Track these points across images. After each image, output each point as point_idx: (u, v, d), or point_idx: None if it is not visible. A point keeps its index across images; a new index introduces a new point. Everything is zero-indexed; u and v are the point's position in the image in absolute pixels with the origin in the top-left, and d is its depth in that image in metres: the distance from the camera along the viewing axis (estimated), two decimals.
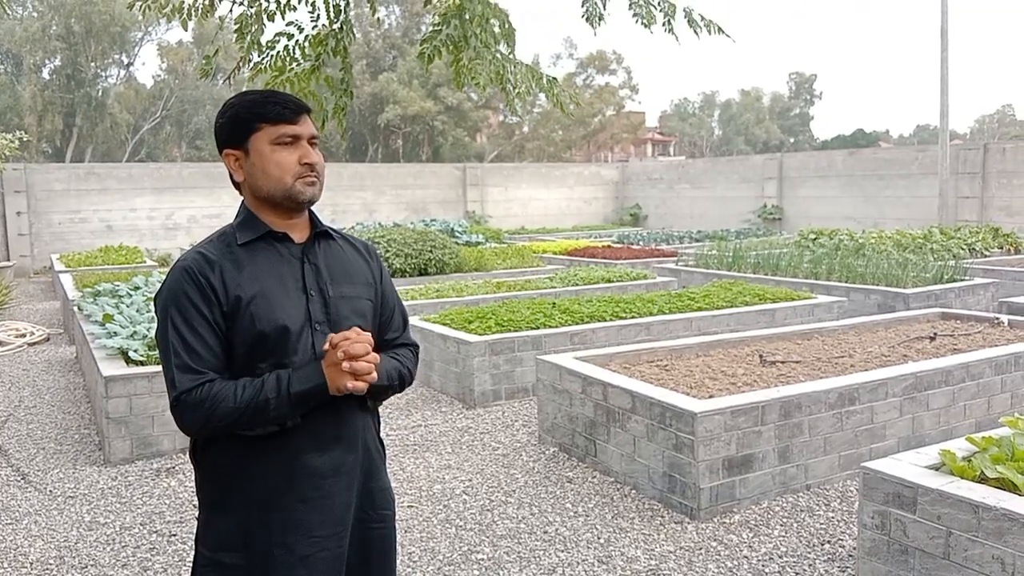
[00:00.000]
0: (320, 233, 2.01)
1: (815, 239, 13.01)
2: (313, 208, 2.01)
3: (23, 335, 9.17)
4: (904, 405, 4.70)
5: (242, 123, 1.92)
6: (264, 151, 1.90)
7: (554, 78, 4.13)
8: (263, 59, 3.90)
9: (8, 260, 16.67)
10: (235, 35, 3.84)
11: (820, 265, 9.95)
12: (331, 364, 1.81)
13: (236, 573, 1.89)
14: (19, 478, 4.90)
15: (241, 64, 3.94)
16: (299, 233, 1.97)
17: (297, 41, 3.91)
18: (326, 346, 1.83)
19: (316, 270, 1.95)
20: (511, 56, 3.93)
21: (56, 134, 34.75)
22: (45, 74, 34.02)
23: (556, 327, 6.66)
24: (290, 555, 1.89)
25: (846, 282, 9.31)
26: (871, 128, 64.02)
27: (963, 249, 11.79)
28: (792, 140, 55.87)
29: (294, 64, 3.91)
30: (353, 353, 1.79)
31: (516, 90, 3.80)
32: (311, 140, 1.94)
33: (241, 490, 1.90)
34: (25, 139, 15.95)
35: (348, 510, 1.96)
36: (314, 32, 3.94)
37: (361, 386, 1.81)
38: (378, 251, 9.06)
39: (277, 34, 3.90)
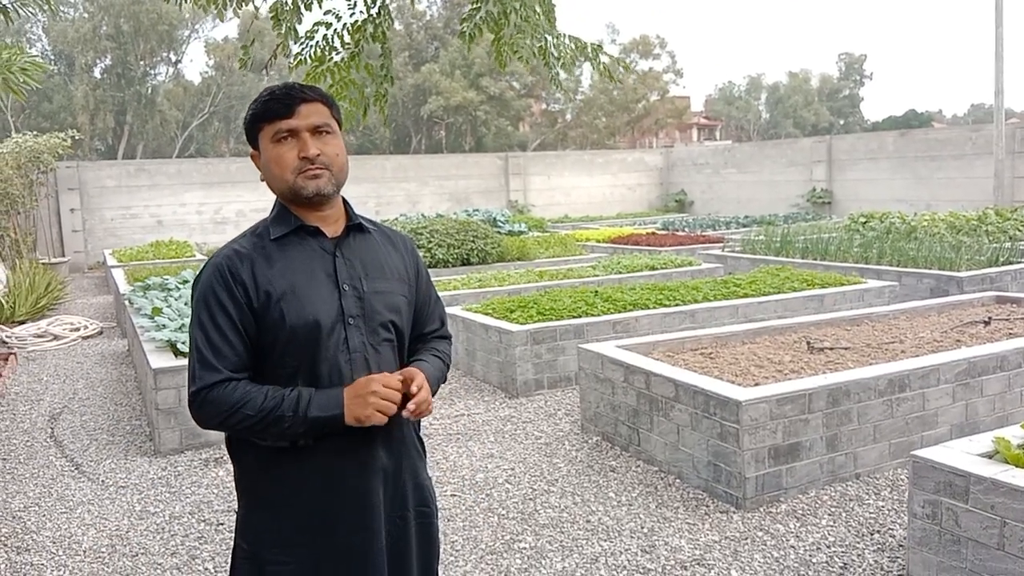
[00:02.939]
0: (354, 226, 1.98)
1: (865, 223, 12.72)
2: (356, 199, 2.00)
3: (77, 329, 9.40)
4: (957, 391, 4.57)
5: (250, 124, 1.94)
6: (268, 150, 1.90)
7: (599, 44, 4.07)
8: (303, 49, 3.91)
9: (63, 256, 17.10)
10: (271, 24, 3.86)
11: (870, 249, 9.73)
12: (356, 395, 1.80)
13: (273, 567, 1.89)
14: (73, 468, 5.02)
15: (277, 53, 3.96)
16: (332, 226, 1.94)
17: (336, 29, 3.92)
18: (371, 381, 1.82)
19: (349, 264, 1.92)
20: (553, 29, 3.89)
21: (108, 132, 35.55)
22: (96, 73, 34.83)
23: (599, 315, 6.61)
24: (327, 551, 1.89)
25: (897, 266, 9.09)
26: (923, 108, 62.39)
27: (1020, 231, 11.42)
28: (842, 122, 54.70)
29: (333, 53, 3.92)
30: (390, 402, 1.80)
31: (560, 61, 3.76)
32: (315, 130, 1.88)
33: (275, 486, 1.90)
34: (77, 137, 16.33)
35: (384, 507, 1.94)
36: (352, 20, 3.95)
37: (381, 419, 1.80)
38: (421, 242, 9.03)
39: (316, 23, 3.92)
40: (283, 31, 3.88)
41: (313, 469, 1.88)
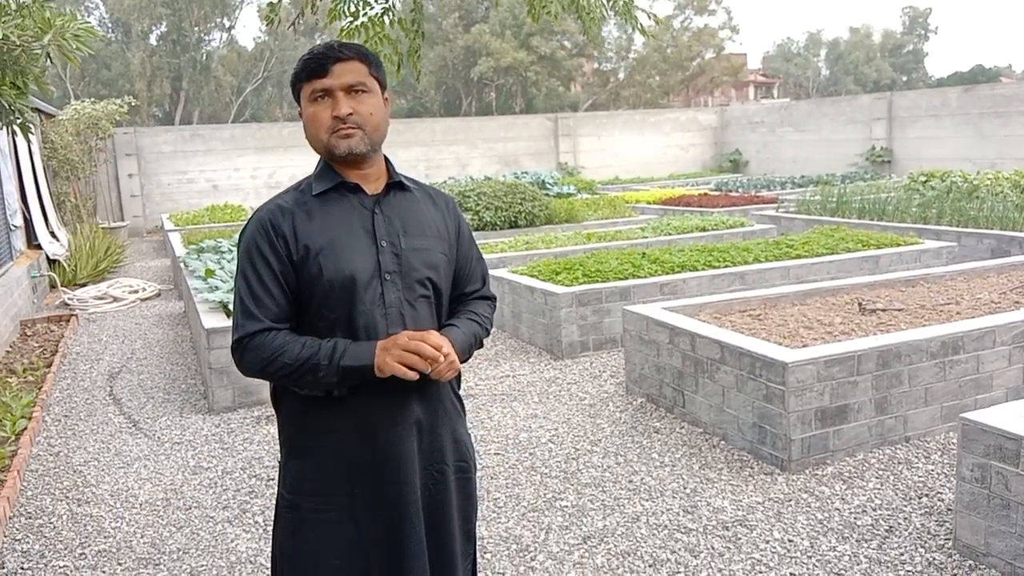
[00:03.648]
0: (395, 184, 1.99)
1: (925, 182, 12.34)
2: (405, 163, 2.02)
3: (136, 291, 9.66)
4: (1013, 354, 4.44)
5: (292, 85, 1.96)
6: (306, 108, 1.92)
7: None
8: (337, 5, 3.91)
9: (122, 220, 17.53)
10: None
11: (930, 209, 9.47)
12: (384, 347, 1.82)
13: (311, 515, 1.94)
14: (130, 425, 5.19)
15: (306, 8, 3.96)
16: (373, 184, 1.97)
17: None
18: (402, 334, 1.83)
19: (388, 221, 1.94)
20: None
21: (165, 98, 36.10)
22: (152, 40, 35.32)
23: (645, 277, 6.56)
24: (361, 500, 1.93)
25: (957, 226, 8.83)
26: (991, 63, 60.11)
27: None
28: (905, 79, 52.93)
29: (367, 8, 3.91)
30: (419, 353, 1.80)
31: (590, 15, 3.69)
32: (349, 89, 1.88)
33: (313, 435, 1.94)
34: (134, 103, 16.64)
35: (420, 460, 1.96)
36: None
37: (411, 374, 1.81)
38: (468, 204, 9.01)
39: None
40: None
41: (348, 419, 1.91)
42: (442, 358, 1.83)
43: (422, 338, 1.82)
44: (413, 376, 1.81)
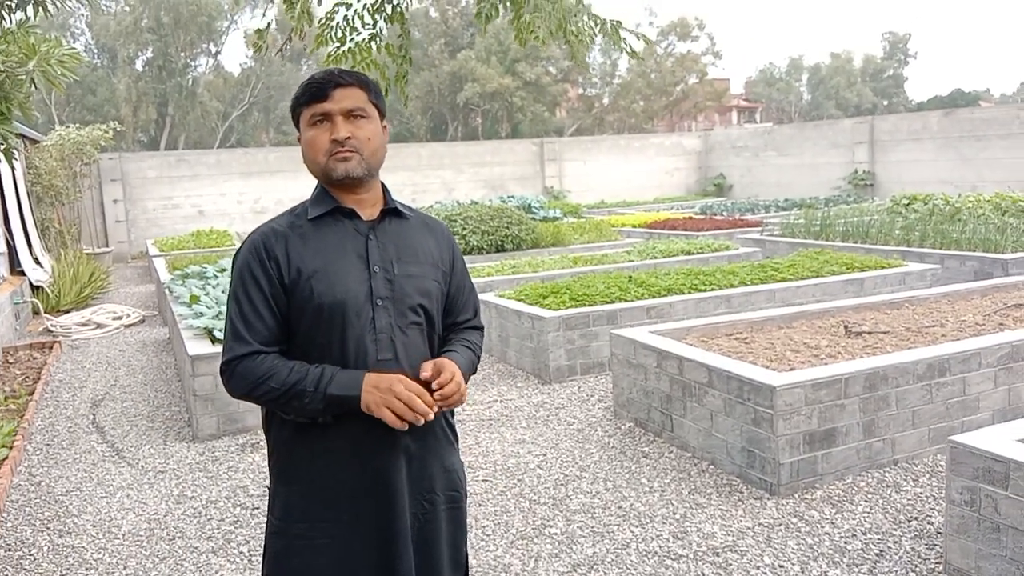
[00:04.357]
0: (390, 210, 2.01)
1: (908, 204, 12.46)
2: (392, 187, 2.04)
3: (120, 317, 9.58)
4: (999, 376, 4.46)
5: (292, 109, 1.99)
6: (304, 132, 1.95)
7: (618, 21, 4.03)
8: (324, 31, 3.93)
9: (107, 246, 17.42)
10: (284, 8, 3.89)
11: (913, 232, 9.54)
12: (376, 386, 1.81)
13: (300, 542, 1.92)
14: (113, 453, 5.12)
15: (293, 35, 3.98)
16: (369, 209, 1.98)
17: (356, 10, 3.94)
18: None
19: (382, 247, 1.95)
20: (577, 5, 3.86)
21: (151, 124, 36.08)
22: (138, 66, 35.36)
23: (632, 301, 6.57)
24: (350, 529, 1.91)
25: (940, 249, 8.90)
26: (970, 88, 60.89)
27: None
28: (886, 103, 53.57)
29: (354, 33, 3.94)
30: (411, 406, 1.80)
31: (578, 38, 3.73)
32: (348, 114, 1.91)
33: (301, 462, 1.93)
34: (119, 129, 16.60)
35: (409, 488, 1.95)
36: (370, 1, 3.95)
37: (399, 424, 1.81)
38: (455, 228, 9.03)
39: (336, 4, 3.94)
40: (296, 13, 3.90)
41: (336, 447, 1.90)
42: (431, 415, 1.83)
43: (419, 393, 1.82)
44: (401, 426, 1.81)
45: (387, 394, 1.80)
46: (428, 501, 1.99)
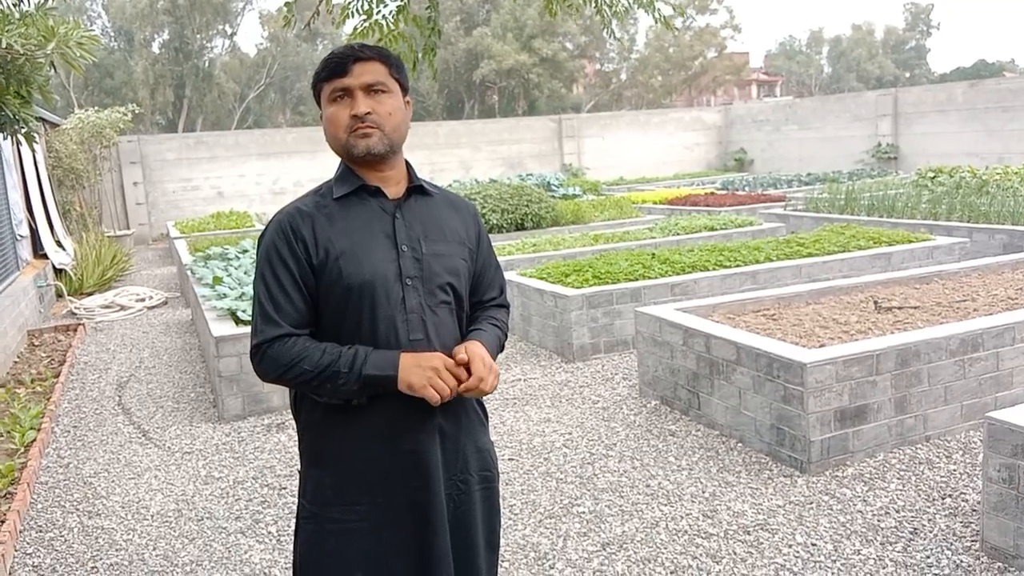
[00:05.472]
0: (416, 188, 1.97)
1: (934, 177, 12.27)
2: (412, 165, 1.99)
3: (142, 299, 9.62)
4: None
5: (313, 86, 1.95)
6: (325, 109, 1.91)
7: None
8: (350, 4, 3.87)
9: (128, 229, 17.50)
10: None
11: (940, 205, 9.39)
12: (417, 364, 1.79)
13: (333, 526, 1.89)
14: (140, 435, 5.14)
15: (319, 8, 3.92)
16: (394, 187, 1.94)
17: None
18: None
19: (409, 225, 1.91)
20: None
21: (168, 106, 36.19)
22: (155, 48, 35.41)
23: (656, 278, 6.50)
24: (384, 510, 1.88)
25: (968, 222, 8.76)
26: (994, 58, 59.92)
27: None
28: (907, 75, 52.79)
29: (380, 6, 3.87)
30: (447, 385, 1.81)
31: (612, 9, 3.65)
32: (368, 89, 1.86)
33: (333, 444, 1.90)
34: (137, 111, 16.62)
35: (444, 469, 1.92)
36: None
37: (433, 395, 1.79)
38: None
39: None
40: None
41: (369, 428, 1.87)
42: (478, 383, 1.83)
43: (458, 375, 1.83)
44: (438, 401, 1.80)
45: (428, 370, 1.78)
46: (463, 482, 1.97)
